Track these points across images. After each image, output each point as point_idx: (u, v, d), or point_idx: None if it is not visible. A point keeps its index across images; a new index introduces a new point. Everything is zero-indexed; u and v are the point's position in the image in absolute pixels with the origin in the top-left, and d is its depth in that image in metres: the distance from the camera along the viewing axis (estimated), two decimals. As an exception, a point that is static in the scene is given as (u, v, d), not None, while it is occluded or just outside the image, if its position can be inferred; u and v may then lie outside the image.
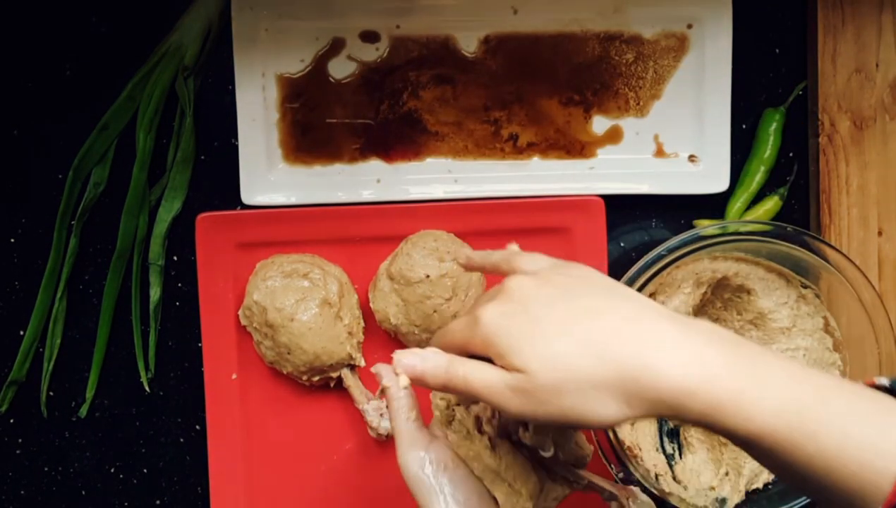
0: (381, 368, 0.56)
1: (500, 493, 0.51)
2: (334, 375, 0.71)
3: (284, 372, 0.71)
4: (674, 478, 0.71)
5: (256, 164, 0.71)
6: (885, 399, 0.41)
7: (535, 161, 0.73)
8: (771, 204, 0.73)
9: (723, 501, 0.69)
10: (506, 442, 0.52)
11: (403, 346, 0.72)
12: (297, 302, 0.69)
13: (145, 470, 0.74)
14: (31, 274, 0.72)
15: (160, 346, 0.73)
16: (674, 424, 0.74)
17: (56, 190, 0.71)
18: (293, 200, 0.72)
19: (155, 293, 0.72)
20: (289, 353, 0.69)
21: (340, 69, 0.72)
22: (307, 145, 0.72)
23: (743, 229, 0.66)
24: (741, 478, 0.69)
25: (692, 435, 0.72)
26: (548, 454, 0.51)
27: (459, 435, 0.54)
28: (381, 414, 0.70)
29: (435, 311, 0.69)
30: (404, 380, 0.48)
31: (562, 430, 0.52)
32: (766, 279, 0.69)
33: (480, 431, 0.53)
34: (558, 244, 0.72)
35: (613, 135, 0.73)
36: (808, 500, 0.67)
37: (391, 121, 0.72)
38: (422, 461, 0.52)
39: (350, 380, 0.71)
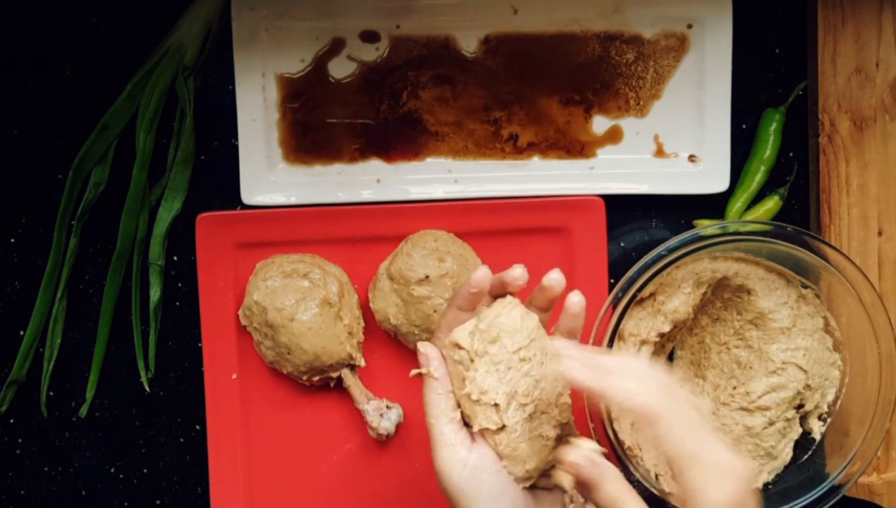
0: (429, 349, 0.54)
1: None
2: (334, 375, 0.71)
3: (284, 372, 0.71)
4: (674, 478, 0.71)
5: (256, 164, 0.71)
6: None
7: (535, 161, 0.73)
8: (771, 204, 0.73)
9: (723, 501, 0.69)
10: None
11: (404, 346, 0.72)
12: (297, 302, 0.69)
13: (145, 470, 0.74)
14: (31, 274, 0.72)
15: (160, 346, 0.73)
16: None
17: (56, 190, 0.71)
18: (293, 200, 0.72)
19: (155, 293, 0.72)
20: (289, 353, 0.69)
21: (340, 69, 0.72)
22: (307, 145, 0.72)
23: (743, 229, 0.66)
24: (741, 478, 0.69)
25: (692, 435, 0.72)
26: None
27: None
28: (381, 414, 0.70)
29: (435, 311, 0.69)
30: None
31: None
32: (766, 279, 0.69)
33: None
34: (558, 244, 0.72)
35: (613, 135, 0.73)
36: (807, 500, 0.67)
37: (391, 121, 0.72)
38: (464, 465, 0.51)
39: (350, 380, 0.71)
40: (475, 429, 0.52)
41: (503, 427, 0.52)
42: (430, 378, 0.53)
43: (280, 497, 0.73)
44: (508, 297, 0.55)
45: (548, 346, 0.54)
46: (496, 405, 0.52)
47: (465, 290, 0.54)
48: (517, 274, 0.54)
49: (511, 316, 0.53)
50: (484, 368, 0.52)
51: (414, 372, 0.54)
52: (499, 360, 0.52)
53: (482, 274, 0.54)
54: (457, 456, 0.51)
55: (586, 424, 0.66)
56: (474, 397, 0.52)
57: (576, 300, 0.55)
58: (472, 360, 0.53)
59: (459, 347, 0.53)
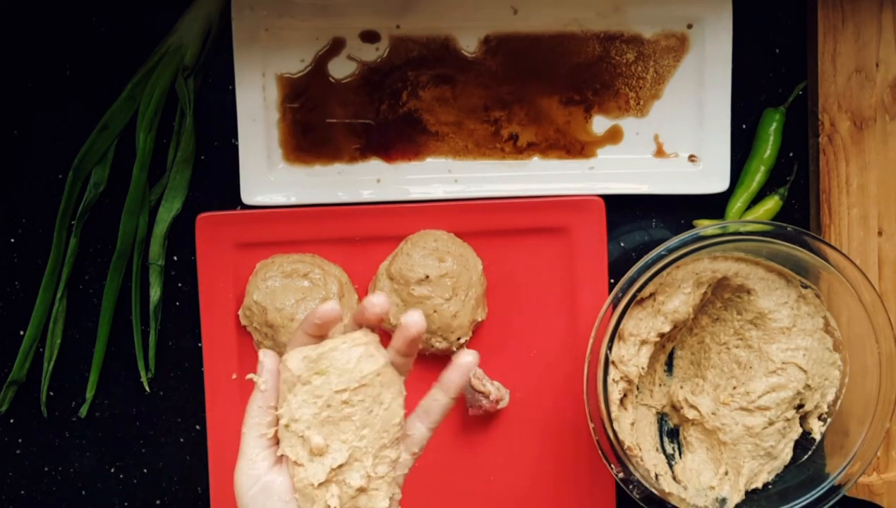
0: (266, 360, 0.52)
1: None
2: (334, 375, 0.71)
3: (284, 372, 0.71)
4: (674, 478, 0.71)
5: (256, 164, 0.71)
6: None
7: (535, 161, 0.73)
8: (771, 204, 0.73)
9: (723, 501, 0.69)
10: None
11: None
12: (297, 302, 0.69)
13: (145, 470, 0.74)
14: (31, 274, 0.72)
15: (160, 346, 0.73)
16: (674, 423, 0.74)
17: (56, 190, 0.71)
18: (293, 200, 0.72)
19: (155, 293, 0.72)
20: (289, 353, 0.69)
21: (340, 69, 0.72)
22: (307, 145, 0.72)
23: (743, 229, 0.66)
24: (741, 478, 0.69)
25: (692, 435, 0.72)
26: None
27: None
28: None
29: (435, 311, 0.69)
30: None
31: None
32: (766, 279, 0.69)
33: None
34: (558, 244, 0.72)
35: (613, 135, 0.73)
36: (807, 500, 0.67)
37: (391, 121, 0.72)
38: (255, 483, 0.50)
39: (350, 380, 0.71)
40: (278, 453, 0.51)
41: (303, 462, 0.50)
42: (258, 388, 0.52)
43: (280, 497, 0.73)
44: (360, 333, 0.51)
45: (386, 397, 0.50)
46: (303, 437, 0.50)
47: (311, 317, 0.51)
48: (375, 301, 0.50)
49: (347, 353, 0.50)
50: (302, 397, 0.50)
51: (248, 376, 0.53)
52: (319, 395, 0.49)
53: (328, 308, 0.50)
54: (253, 471, 0.50)
55: (586, 424, 0.66)
56: (284, 422, 0.50)
57: (415, 318, 0.51)
58: (294, 385, 0.50)
59: (288, 368, 0.50)
